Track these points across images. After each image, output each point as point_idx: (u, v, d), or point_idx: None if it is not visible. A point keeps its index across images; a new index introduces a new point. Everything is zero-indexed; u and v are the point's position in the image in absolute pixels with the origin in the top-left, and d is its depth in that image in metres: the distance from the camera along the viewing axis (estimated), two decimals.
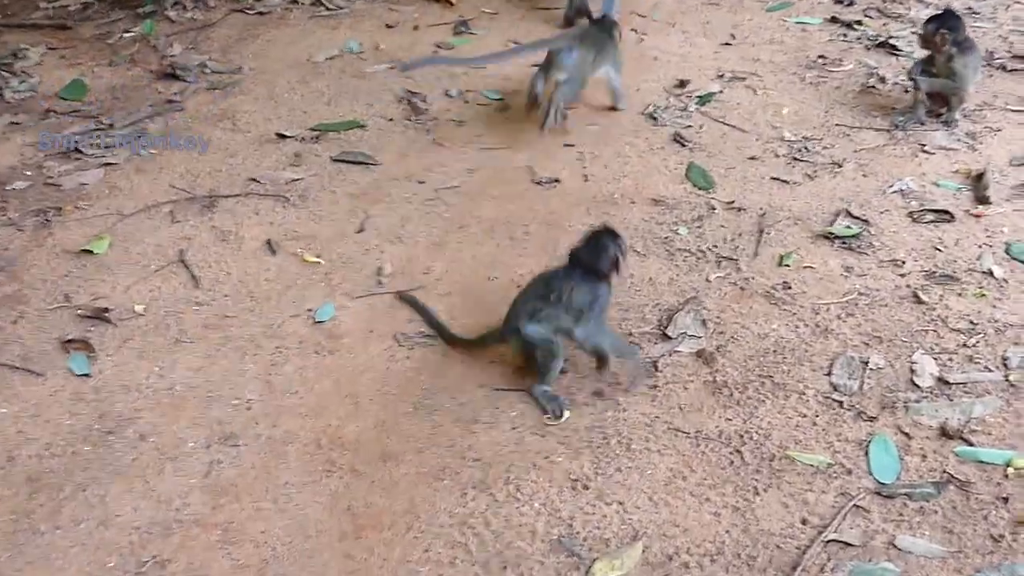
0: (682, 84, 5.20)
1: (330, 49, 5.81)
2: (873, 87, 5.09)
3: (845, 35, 5.71)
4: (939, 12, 4.81)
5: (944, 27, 4.59)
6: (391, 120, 5.00)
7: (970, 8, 5.96)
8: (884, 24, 5.80)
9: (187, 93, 5.37)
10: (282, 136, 4.86)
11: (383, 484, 2.93)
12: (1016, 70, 5.16)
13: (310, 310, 3.67)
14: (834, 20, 5.93)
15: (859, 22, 5.85)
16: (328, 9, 6.40)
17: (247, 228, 4.17)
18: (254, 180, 4.51)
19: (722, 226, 4.04)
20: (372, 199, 4.35)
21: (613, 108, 4.96)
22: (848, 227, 3.97)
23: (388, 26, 6.13)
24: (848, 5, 6.12)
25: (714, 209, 4.15)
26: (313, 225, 4.17)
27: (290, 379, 3.36)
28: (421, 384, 3.32)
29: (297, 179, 4.51)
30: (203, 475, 2.98)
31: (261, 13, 6.39)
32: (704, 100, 5.02)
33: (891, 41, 5.51)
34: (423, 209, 4.27)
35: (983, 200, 4.11)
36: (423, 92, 5.24)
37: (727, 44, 5.69)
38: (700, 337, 3.44)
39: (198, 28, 6.20)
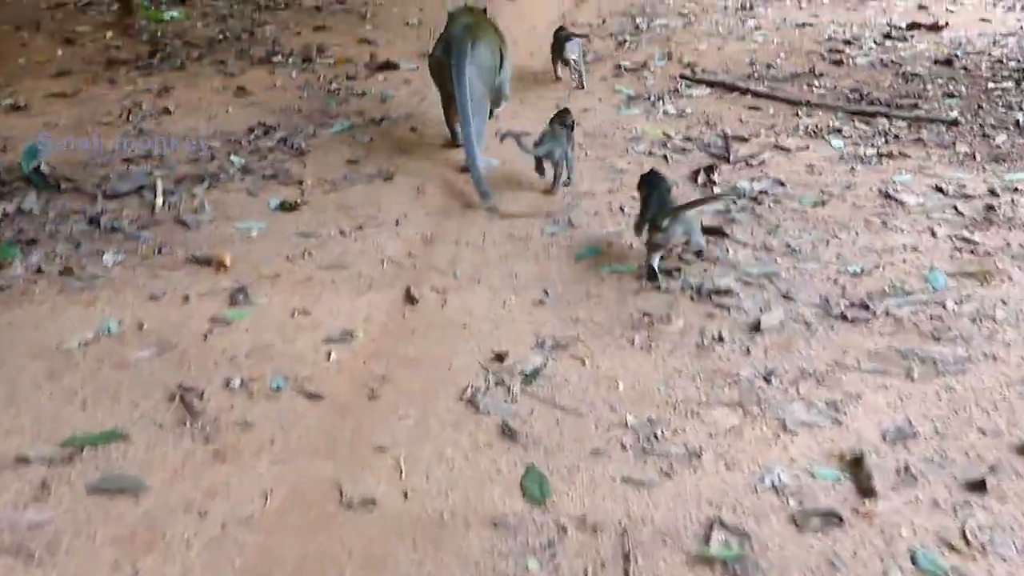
0: (500, 358, 4.54)
1: (84, 331, 4.90)
2: (710, 348, 4.57)
3: (667, 286, 5.21)
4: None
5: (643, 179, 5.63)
6: (161, 426, 4.13)
7: (788, 245, 5.60)
8: (705, 269, 5.33)
9: None
10: (24, 459, 3.92)
11: None
12: (858, 319, 4.74)
13: None
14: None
15: (678, 269, 5.36)
16: (80, 280, 5.49)
17: None
18: None
19: (578, 554, 3.33)
20: (143, 544, 3.46)
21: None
22: (727, 544, 3.34)
23: (152, 297, 5.26)
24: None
25: (565, 530, 3.45)
26: None
27: None
28: None
29: (44, 521, 3.58)
30: None
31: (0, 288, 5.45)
32: (529, 378, 4.36)
33: (715, 295, 5.04)
34: (208, 555, 3.40)
35: (868, 492, 3.57)
36: (199, 386, 4.40)
37: (541, 302, 5.08)
38: None
39: None
